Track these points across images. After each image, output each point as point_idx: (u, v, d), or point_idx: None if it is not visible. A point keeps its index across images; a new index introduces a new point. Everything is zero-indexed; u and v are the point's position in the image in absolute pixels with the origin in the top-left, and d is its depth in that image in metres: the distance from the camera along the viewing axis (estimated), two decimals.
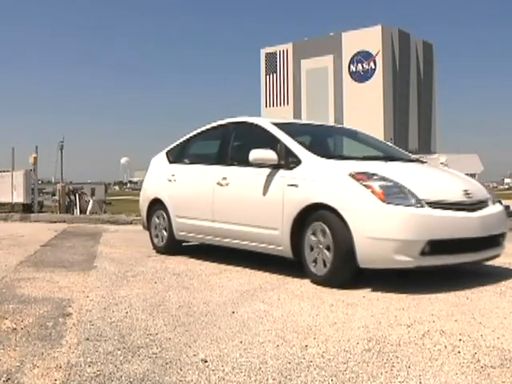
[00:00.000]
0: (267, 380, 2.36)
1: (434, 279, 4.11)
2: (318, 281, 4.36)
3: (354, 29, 13.34)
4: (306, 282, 4.53)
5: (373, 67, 12.68)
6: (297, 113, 13.49)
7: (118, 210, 14.91)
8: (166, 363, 2.56)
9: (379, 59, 12.60)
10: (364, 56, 12.84)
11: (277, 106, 14.28)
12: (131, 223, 10.86)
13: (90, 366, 2.52)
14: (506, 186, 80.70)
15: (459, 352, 2.70)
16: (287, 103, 14.17)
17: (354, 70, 13.01)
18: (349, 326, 3.20)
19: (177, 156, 6.56)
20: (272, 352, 2.72)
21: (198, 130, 6.40)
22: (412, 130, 12.83)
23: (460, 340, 2.89)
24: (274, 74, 14.48)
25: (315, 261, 4.45)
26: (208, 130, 6.24)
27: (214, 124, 6.15)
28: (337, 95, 13.28)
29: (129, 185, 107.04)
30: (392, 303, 3.75)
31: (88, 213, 13.68)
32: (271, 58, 14.53)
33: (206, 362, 2.58)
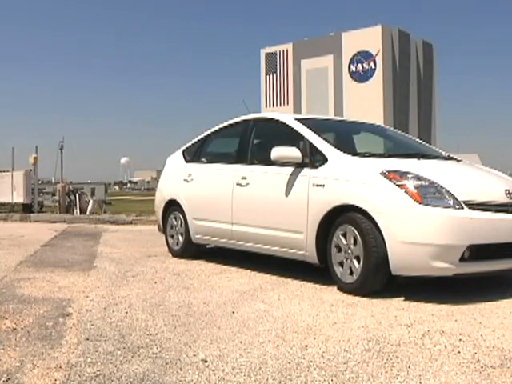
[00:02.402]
0: (267, 380, 2.36)
1: (434, 279, 4.10)
2: (347, 288, 4.09)
3: (354, 29, 13.31)
4: (306, 282, 4.53)
5: (373, 67, 12.66)
6: (297, 112, 13.51)
7: (118, 210, 14.92)
8: (166, 363, 2.56)
9: (379, 59, 12.58)
10: (364, 56, 12.82)
11: (277, 105, 14.26)
12: (131, 223, 10.86)
13: (89, 365, 2.52)
14: None
15: (459, 352, 2.70)
16: (287, 103, 14.15)
17: (354, 69, 12.98)
18: (349, 325, 3.20)
19: (194, 155, 6.26)
20: (272, 352, 2.72)
21: (216, 128, 6.10)
22: (412, 130, 12.82)
23: (460, 340, 2.89)
24: (274, 74, 14.45)
25: (343, 267, 4.15)
26: (226, 127, 5.95)
27: (233, 121, 5.84)
28: (337, 95, 13.26)
29: (129, 185, 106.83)
30: (392, 303, 3.75)
31: (88, 213, 13.67)
32: (271, 57, 14.51)
33: (206, 362, 2.58)
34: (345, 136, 5.46)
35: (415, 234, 3.78)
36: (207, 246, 6.16)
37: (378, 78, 12.72)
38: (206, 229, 5.68)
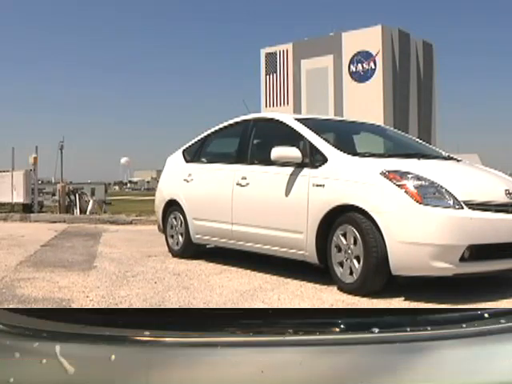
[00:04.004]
0: None
1: (434, 280, 4.10)
2: (347, 288, 4.09)
3: (354, 29, 13.32)
4: (306, 282, 4.53)
5: (373, 67, 12.66)
6: (297, 112, 13.50)
7: (118, 210, 14.90)
8: None
9: (379, 59, 12.58)
10: (364, 56, 12.82)
11: (277, 105, 14.26)
12: (131, 223, 10.86)
13: None
14: None
15: None
16: (287, 103, 14.15)
17: (354, 70, 12.98)
18: None
19: (194, 155, 6.25)
20: None
21: (216, 128, 6.10)
22: (412, 130, 12.81)
23: None
24: (274, 74, 14.45)
25: (343, 267, 4.15)
26: (226, 127, 5.94)
27: (233, 121, 5.85)
28: (337, 95, 13.26)
29: (129, 185, 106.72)
30: (392, 303, 3.75)
31: (88, 213, 13.66)
32: (271, 58, 14.51)
33: None
34: (345, 136, 5.45)
35: (415, 234, 3.78)
36: (207, 246, 6.16)
37: (377, 78, 12.73)
38: (206, 229, 5.67)
